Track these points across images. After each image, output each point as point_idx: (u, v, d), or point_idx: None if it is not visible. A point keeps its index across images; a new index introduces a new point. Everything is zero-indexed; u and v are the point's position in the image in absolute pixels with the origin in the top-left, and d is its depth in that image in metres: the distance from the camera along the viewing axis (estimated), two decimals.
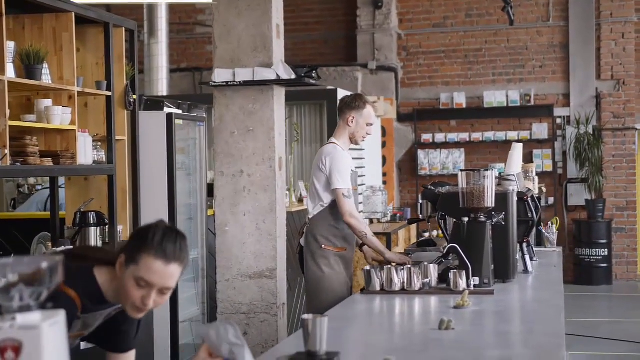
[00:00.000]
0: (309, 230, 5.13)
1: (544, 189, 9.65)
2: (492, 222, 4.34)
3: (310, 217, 5.15)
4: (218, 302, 5.45)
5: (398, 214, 10.64)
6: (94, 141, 5.50)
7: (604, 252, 11.86)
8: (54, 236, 5.62)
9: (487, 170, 4.35)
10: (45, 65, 4.96)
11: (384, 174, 12.00)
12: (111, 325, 2.75)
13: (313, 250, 5.08)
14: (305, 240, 5.15)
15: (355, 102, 5.16)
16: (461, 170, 4.36)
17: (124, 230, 5.82)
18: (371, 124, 5.19)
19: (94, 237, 5.41)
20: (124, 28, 5.88)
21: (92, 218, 5.42)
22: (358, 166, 10.08)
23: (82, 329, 2.69)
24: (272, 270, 5.36)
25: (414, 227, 10.84)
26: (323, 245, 5.05)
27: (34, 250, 5.77)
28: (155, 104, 6.57)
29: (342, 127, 5.16)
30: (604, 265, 11.88)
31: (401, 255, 5.03)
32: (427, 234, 9.82)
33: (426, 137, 12.54)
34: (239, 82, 5.31)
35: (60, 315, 1.82)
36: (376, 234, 9.02)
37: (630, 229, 12.22)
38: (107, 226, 5.58)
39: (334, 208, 5.05)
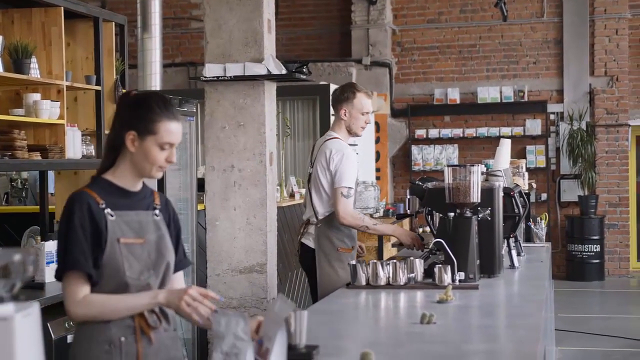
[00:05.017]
0: (321, 231, 5.00)
1: (534, 185, 9.67)
2: (478, 217, 4.35)
3: (319, 217, 5.01)
4: None
5: (391, 210, 10.66)
6: (83, 135, 5.51)
7: (596, 248, 11.88)
8: (44, 230, 5.63)
9: (473, 165, 4.36)
10: (33, 60, 4.97)
11: (378, 170, 12.03)
12: None
13: (327, 252, 4.98)
14: (317, 242, 5.01)
15: (344, 93, 5.05)
16: (447, 166, 4.37)
17: None
18: (366, 112, 5.04)
19: None
20: (113, 22, 5.89)
21: None
22: None
23: (128, 232, 2.79)
24: (263, 265, 5.36)
25: (408, 222, 10.86)
26: (339, 249, 4.97)
27: (24, 244, 5.78)
28: None
29: (338, 120, 5.08)
30: (597, 261, 11.91)
31: (412, 233, 5.05)
32: (421, 229, 9.82)
33: (420, 132, 12.56)
34: (230, 77, 5.30)
35: (34, 307, 1.84)
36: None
37: (622, 225, 12.25)
38: None
39: None
